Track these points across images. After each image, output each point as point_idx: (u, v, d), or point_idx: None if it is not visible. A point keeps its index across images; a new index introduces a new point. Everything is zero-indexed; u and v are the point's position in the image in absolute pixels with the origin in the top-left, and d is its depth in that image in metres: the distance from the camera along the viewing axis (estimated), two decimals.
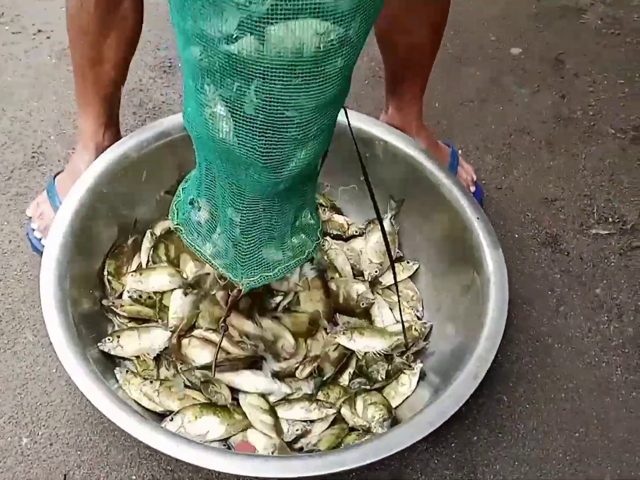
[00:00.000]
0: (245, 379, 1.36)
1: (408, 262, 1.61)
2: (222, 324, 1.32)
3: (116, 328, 1.45)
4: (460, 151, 1.91)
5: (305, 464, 1.15)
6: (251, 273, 1.22)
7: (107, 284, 1.50)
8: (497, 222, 1.78)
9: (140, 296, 1.47)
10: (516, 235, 1.79)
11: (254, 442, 1.31)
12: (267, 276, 1.22)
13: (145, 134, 1.52)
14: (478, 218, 1.48)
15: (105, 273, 1.50)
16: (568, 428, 1.48)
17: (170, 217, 1.31)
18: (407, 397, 1.43)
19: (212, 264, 1.24)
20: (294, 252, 1.22)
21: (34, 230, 1.60)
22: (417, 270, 1.61)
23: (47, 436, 1.39)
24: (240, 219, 1.11)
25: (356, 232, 1.67)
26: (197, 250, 1.24)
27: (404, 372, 1.43)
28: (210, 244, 1.23)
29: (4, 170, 1.79)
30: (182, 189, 1.28)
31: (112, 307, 1.44)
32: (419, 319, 1.54)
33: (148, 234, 1.58)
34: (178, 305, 1.45)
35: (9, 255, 1.64)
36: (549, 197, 1.87)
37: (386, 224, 1.60)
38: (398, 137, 1.59)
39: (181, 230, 1.26)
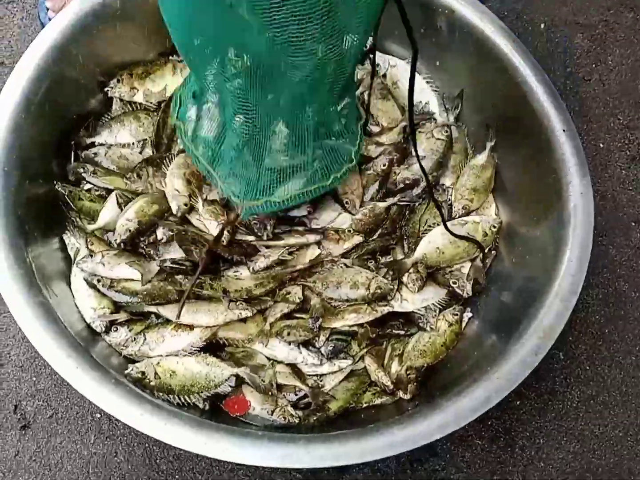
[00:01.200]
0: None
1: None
2: (203, 256, 1.02)
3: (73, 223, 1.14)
4: (543, 25, 1.48)
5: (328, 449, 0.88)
6: (255, 194, 0.91)
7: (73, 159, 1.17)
8: (579, 126, 1.40)
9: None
10: (601, 145, 1.41)
11: (248, 397, 1.05)
12: (273, 202, 0.91)
13: None
14: (565, 130, 1.11)
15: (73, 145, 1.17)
16: (635, 402, 1.20)
17: (171, 110, 1.00)
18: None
19: (211, 176, 0.94)
20: (313, 177, 0.89)
21: (47, 10, 1.29)
22: None
23: None
24: (251, 119, 0.81)
25: None
26: (195, 157, 0.94)
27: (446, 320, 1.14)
28: (211, 151, 0.92)
29: None
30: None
31: (67, 197, 1.12)
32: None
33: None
34: None
35: None
36: None
37: (482, 157, 1.23)
38: (469, 5, 1.18)
39: (180, 129, 0.95)
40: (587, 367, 1.23)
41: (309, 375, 1.09)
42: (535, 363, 0.96)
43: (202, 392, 1.01)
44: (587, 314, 1.26)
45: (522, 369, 0.95)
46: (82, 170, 1.13)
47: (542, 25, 1.48)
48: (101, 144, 1.17)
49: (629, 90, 1.46)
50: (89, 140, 1.16)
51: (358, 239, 1.12)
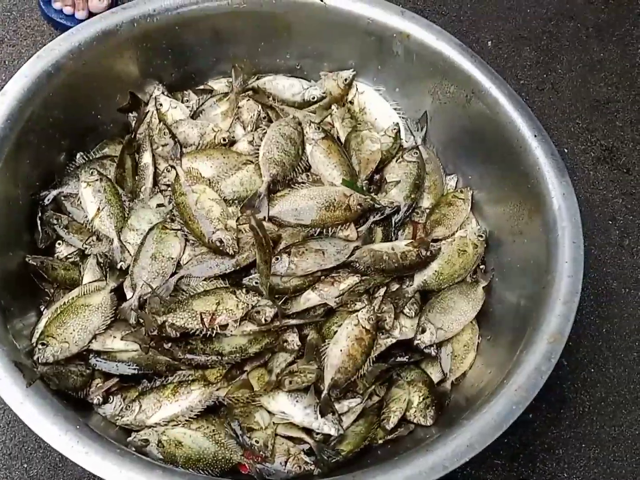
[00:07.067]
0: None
1: (462, 191, 1.23)
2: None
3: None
4: (490, 43, 1.51)
5: None
6: None
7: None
8: None
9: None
10: (565, 150, 1.43)
11: None
12: None
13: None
14: (536, 135, 1.12)
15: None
16: None
17: None
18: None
19: None
20: None
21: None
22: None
23: None
24: None
25: None
26: None
27: None
28: None
29: None
30: None
31: (40, 269, 1.07)
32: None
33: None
34: None
35: None
36: (601, 99, 1.50)
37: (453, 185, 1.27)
38: (424, 27, 1.19)
39: None
40: (592, 370, 1.21)
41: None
42: (551, 368, 0.93)
43: (207, 469, 0.94)
44: (582, 316, 1.25)
45: (539, 376, 0.92)
46: (55, 222, 1.09)
47: (490, 43, 1.51)
48: (70, 195, 1.12)
49: (582, 95, 1.50)
50: (55, 192, 1.11)
51: (354, 279, 1.08)
